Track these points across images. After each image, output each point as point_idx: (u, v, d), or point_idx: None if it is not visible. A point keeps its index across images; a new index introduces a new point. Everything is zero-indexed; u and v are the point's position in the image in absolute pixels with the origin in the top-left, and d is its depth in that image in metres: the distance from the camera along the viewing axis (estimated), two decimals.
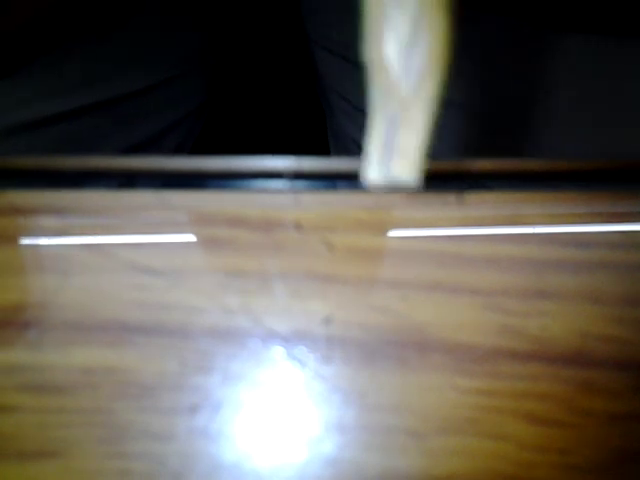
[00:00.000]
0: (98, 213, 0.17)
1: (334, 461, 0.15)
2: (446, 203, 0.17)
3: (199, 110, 0.40)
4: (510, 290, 0.16)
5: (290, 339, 0.16)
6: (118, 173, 0.17)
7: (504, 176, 0.17)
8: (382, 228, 0.17)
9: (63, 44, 0.29)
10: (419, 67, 0.12)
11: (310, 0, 0.38)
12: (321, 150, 0.51)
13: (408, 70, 0.12)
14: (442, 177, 0.17)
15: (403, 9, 0.12)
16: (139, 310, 0.16)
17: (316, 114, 0.51)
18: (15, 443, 0.15)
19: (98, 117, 0.33)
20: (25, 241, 0.16)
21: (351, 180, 0.14)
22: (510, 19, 0.28)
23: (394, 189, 0.13)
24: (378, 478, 0.15)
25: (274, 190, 0.18)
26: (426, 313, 0.16)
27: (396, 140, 0.13)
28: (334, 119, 0.42)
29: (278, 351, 0.16)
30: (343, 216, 0.17)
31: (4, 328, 0.16)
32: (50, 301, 0.16)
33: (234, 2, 0.42)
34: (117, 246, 0.16)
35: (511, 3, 0.27)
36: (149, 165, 0.18)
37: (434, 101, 0.13)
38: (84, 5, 0.29)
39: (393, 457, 0.15)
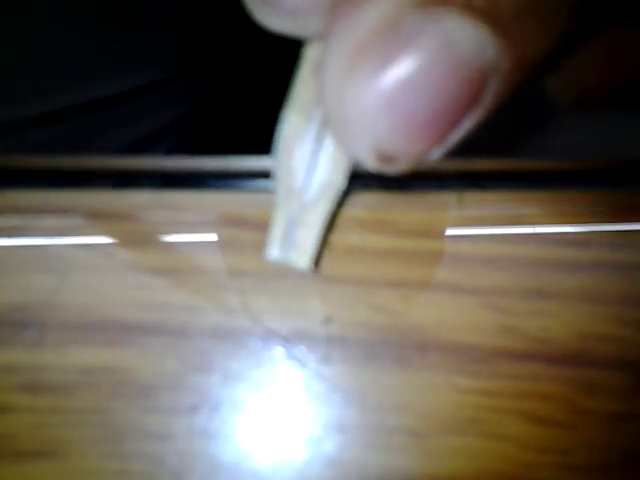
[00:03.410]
0: (97, 213, 0.17)
1: (334, 461, 0.15)
2: (446, 203, 0.17)
3: (195, 111, 0.40)
4: (510, 290, 0.16)
5: (290, 339, 0.16)
6: (118, 173, 0.17)
7: (504, 176, 0.17)
8: (382, 228, 0.17)
9: (61, 41, 0.29)
10: (320, 183, 0.14)
11: None
12: None
13: (310, 182, 0.14)
14: (442, 177, 0.17)
15: (308, 134, 0.13)
16: (138, 310, 0.16)
17: None
18: (13, 443, 0.15)
19: (92, 117, 0.32)
20: (24, 241, 0.16)
21: (350, 180, 0.14)
22: None
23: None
24: (379, 478, 0.15)
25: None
26: (426, 313, 0.16)
27: (295, 234, 0.15)
28: None
29: (278, 351, 0.16)
30: (343, 216, 0.17)
31: (3, 328, 0.15)
32: (49, 301, 0.16)
33: (231, 2, 0.42)
34: (116, 246, 0.16)
35: None
36: (149, 165, 0.18)
37: (332, 208, 0.14)
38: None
39: (394, 457, 0.15)
